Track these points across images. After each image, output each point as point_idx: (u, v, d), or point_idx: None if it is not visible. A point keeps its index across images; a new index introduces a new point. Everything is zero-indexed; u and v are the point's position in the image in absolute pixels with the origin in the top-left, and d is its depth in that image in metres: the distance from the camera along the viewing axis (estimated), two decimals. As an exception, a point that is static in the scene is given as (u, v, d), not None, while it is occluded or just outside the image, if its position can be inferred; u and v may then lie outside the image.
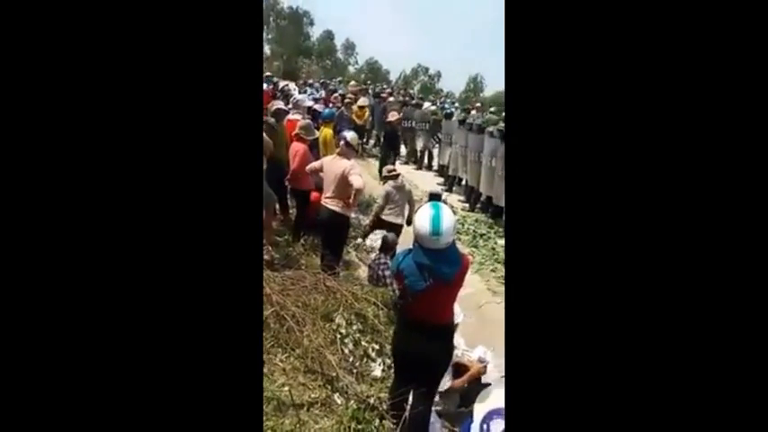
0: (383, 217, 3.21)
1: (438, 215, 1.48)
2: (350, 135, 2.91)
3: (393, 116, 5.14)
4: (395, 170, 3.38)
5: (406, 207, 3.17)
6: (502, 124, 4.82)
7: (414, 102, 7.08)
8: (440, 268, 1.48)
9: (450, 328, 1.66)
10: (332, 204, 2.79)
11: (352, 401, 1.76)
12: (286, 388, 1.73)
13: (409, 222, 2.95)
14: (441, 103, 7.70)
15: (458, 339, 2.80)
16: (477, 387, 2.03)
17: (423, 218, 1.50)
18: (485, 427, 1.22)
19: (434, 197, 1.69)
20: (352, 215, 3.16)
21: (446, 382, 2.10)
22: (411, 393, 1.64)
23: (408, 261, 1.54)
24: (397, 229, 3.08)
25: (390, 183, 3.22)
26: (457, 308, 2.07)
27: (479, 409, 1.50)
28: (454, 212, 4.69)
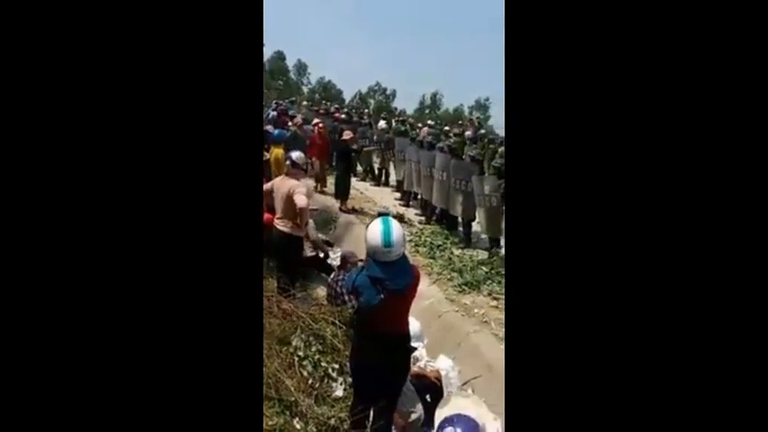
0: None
1: (388, 228, 1.54)
2: (296, 155, 2.92)
3: (347, 135, 5.23)
4: None
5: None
6: (450, 139, 5.07)
7: (367, 121, 7.24)
8: (393, 280, 1.52)
9: (406, 339, 1.69)
10: (282, 225, 2.77)
11: (312, 425, 1.72)
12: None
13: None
14: (396, 121, 7.74)
15: (420, 350, 2.84)
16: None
17: (374, 232, 1.54)
18: None
19: (383, 215, 1.74)
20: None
21: (418, 407, 2.11)
22: (372, 409, 1.64)
23: (363, 277, 1.57)
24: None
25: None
26: (420, 327, 2.10)
27: (439, 416, 1.52)
28: (411, 226, 4.82)
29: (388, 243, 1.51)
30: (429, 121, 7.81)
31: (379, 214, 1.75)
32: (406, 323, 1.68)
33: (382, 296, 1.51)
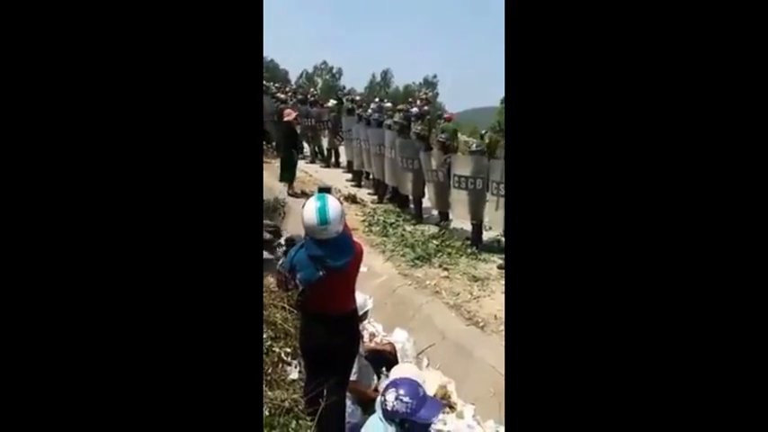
0: None
1: (324, 206, 1.50)
2: None
3: (288, 115, 5.01)
4: None
5: None
6: (397, 116, 5.06)
7: (312, 99, 6.99)
8: (332, 257, 1.51)
9: (351, 316, 1.70)
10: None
11: (265, 409, 1.70)
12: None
13: None
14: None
15: (375, 325, 2.90)
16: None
17: (309, 210, 1.51)
18: (381, 399, 1.29)
19: (323, 190, 1.70)
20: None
21: (374, 381, 2.16)
22: (324, 387, 1.65)
23: (301, 254, 1.54)
24: None
25: None
26: (363, 297, 2.14)
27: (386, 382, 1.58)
28: (364, 206, 4.80)
29: (323, 221, 1.49)
30: (376, 99, 7.71)
31: (320, 190, 1.71)
32: (351, 301, 1.69)
33: (321, 273, 1.50)
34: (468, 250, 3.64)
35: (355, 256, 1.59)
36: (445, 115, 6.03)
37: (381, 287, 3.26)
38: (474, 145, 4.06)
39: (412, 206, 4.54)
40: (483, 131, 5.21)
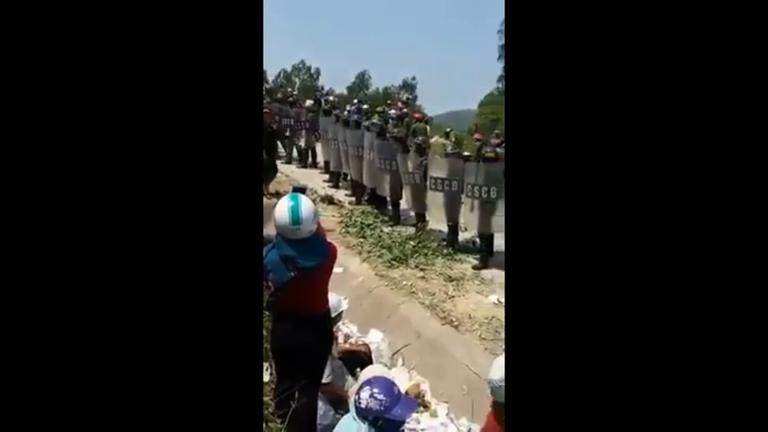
0: None
1: (297, 205, 1.49)
2: None
3: (264, 114, 4.92)
4: None
5: None
6: (376, 118, 5.08)
7: (291, 99, 6.91)
8: (304, 258, 1.49)
9: (323, 317, 1.69)
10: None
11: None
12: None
13: None
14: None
15: (350, 326, 2.89)
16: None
17: (282, 210, 1.49)
18: (355, 397, 1.29)
19: (298, 190, 1.68)
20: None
21: (348, 383, 2.14)
22: (296, 389, 1.63)
23: (273, 255, 1.52)
24: None
25: None
26: (337, 298, 2.13)
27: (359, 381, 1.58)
28: (342, 207, 4.77)
29: (296, 220, 1.47)
30: (355, 100, 7.70)
31: (294, 189, 1.69)
32: (324, 302, 1.67)
33: (292, 274, 1.48)
34: (444, 251, 3.69)
35: (328, 256, 1.58)
36: (415, 114, 5.93)
37: (358, 288, 3.26)
38: (449, 147, 4.13)
39: (390, 207, 4.56)
40: (448, 129, 5.32)
